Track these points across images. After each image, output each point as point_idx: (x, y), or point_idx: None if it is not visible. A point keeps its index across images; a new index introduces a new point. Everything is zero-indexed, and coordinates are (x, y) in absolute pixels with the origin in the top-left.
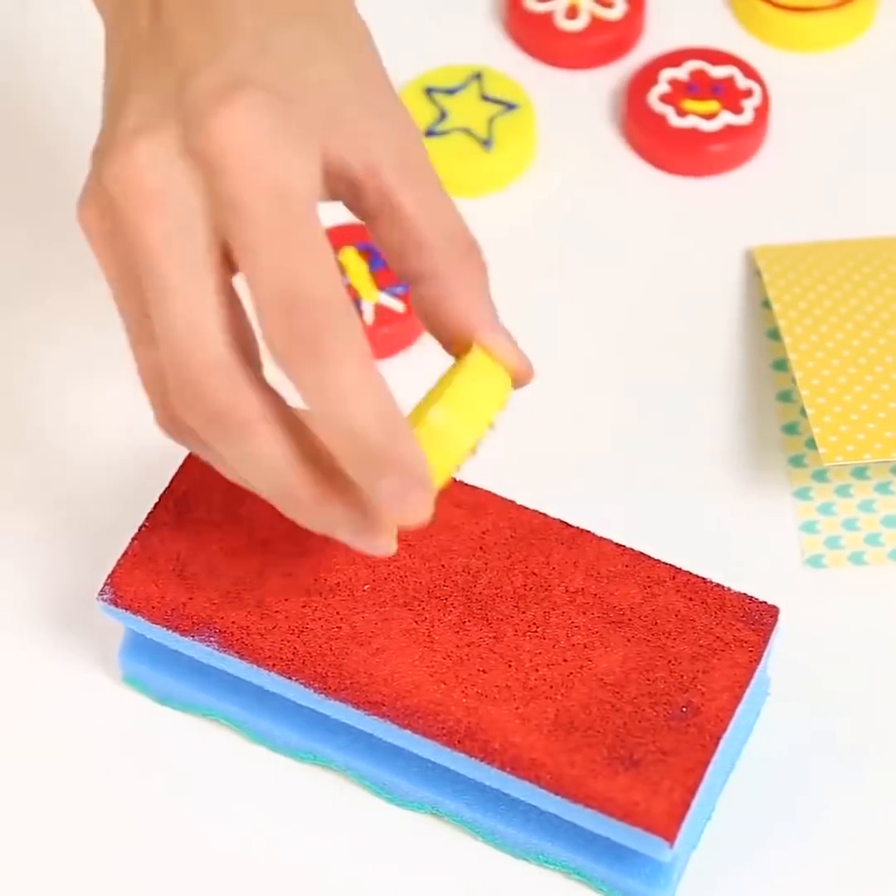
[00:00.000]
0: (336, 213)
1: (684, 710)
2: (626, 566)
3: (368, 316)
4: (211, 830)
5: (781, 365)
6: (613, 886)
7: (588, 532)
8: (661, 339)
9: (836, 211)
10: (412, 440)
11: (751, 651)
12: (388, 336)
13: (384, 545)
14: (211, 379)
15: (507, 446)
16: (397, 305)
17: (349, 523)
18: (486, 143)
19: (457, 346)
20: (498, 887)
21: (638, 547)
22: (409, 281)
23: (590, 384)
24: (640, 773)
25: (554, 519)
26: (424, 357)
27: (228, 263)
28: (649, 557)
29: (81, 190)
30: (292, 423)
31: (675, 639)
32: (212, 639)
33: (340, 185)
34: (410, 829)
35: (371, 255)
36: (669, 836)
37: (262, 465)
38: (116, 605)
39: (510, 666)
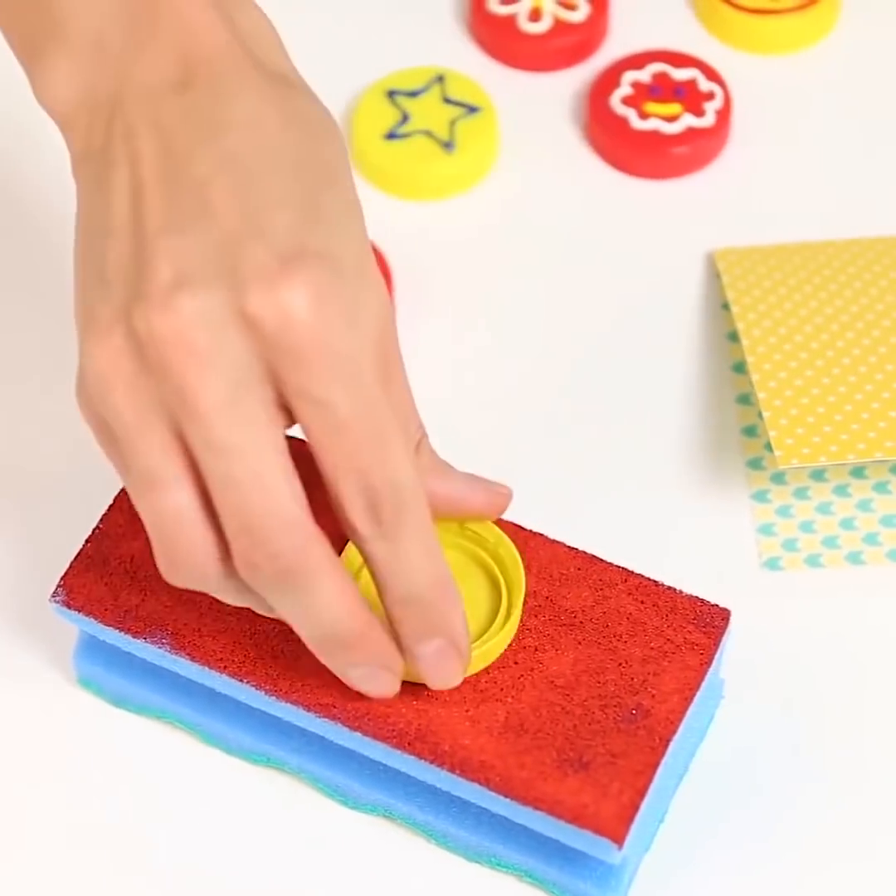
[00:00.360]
0: None
1: (634, 712)
2: (578, 569)
3: None
4: (165, 832)
5: (741, 367)
6: (565, 889)
7: (540, 535)
8: (621, 340)
9: (797, 214)
10: (461, 609)
11: (702, 654)
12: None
13: (391, 689)
14: (288, 538)
15: (462, 449)
16: None
17: (377, 672)
18: (447, 145)
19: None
20: (451, 890)
21: (597, 550)
22: None
23: (548, 386)
24: (590, 775)
25: (506, 522)
26: None
27: (283, 413)
28: (601, 560)
29: (83, 345)
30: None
31: (625, 641)
32: (164, 641)
33: None
34: (364, 831)
35: None
36: (618, 839)
37: (320, 614)
38: (69, 607)
39: None
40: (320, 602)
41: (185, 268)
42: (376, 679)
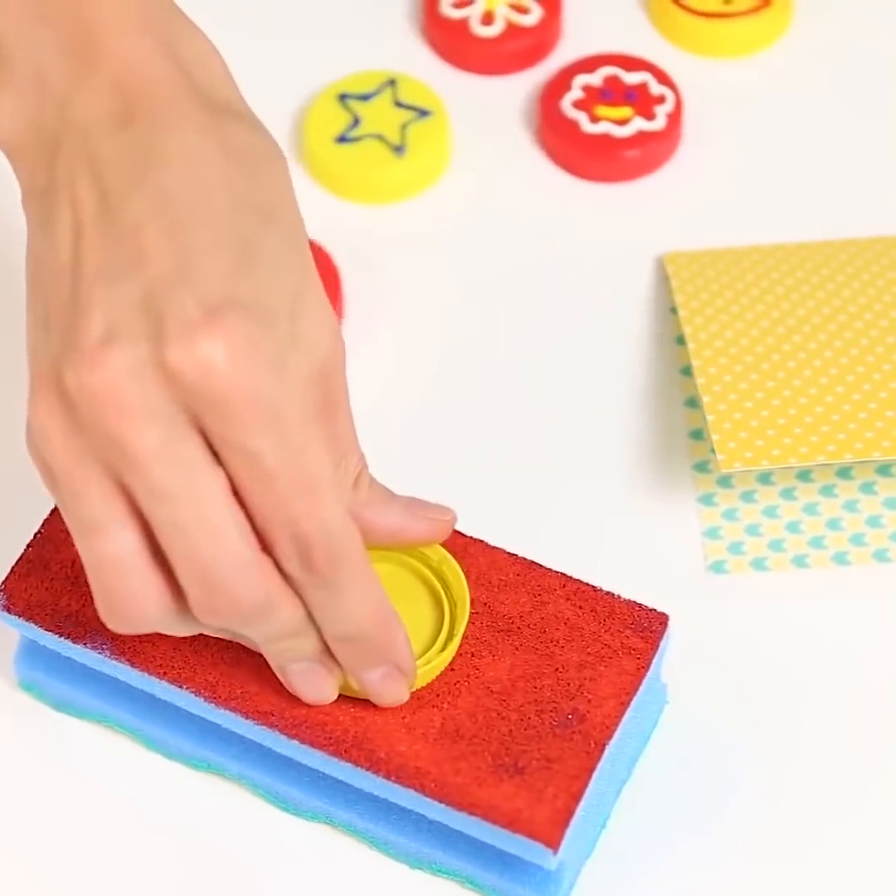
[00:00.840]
0: None
1: (570, 717)
2: (517, 575)
3: None
4: (106, 835)
5: (689, 371)
6: (505, 894)
7: (479, 541)
8: (571, 343)
9: (748, 217)
10: (403, 638)
11: (639, 658)
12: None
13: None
14: (244, 583)
15: (407, 452)
16: None
17: (326, 678)
18: (398, 149)
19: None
20: None
21: (543, 554)
22: None
23: (497, 388)
24: (525, 780)
25: None
26: None
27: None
28: (540, 566)
29: (31, 393)
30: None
31: (563, 647)
32: (104, 647)
33: None
34: (305, 838)
35: None
36: (553, 844)
37: (283, 640)
38: (9, 611)
39: None
40: (275, 630)
41: (115, 320)
42: (326, 685)
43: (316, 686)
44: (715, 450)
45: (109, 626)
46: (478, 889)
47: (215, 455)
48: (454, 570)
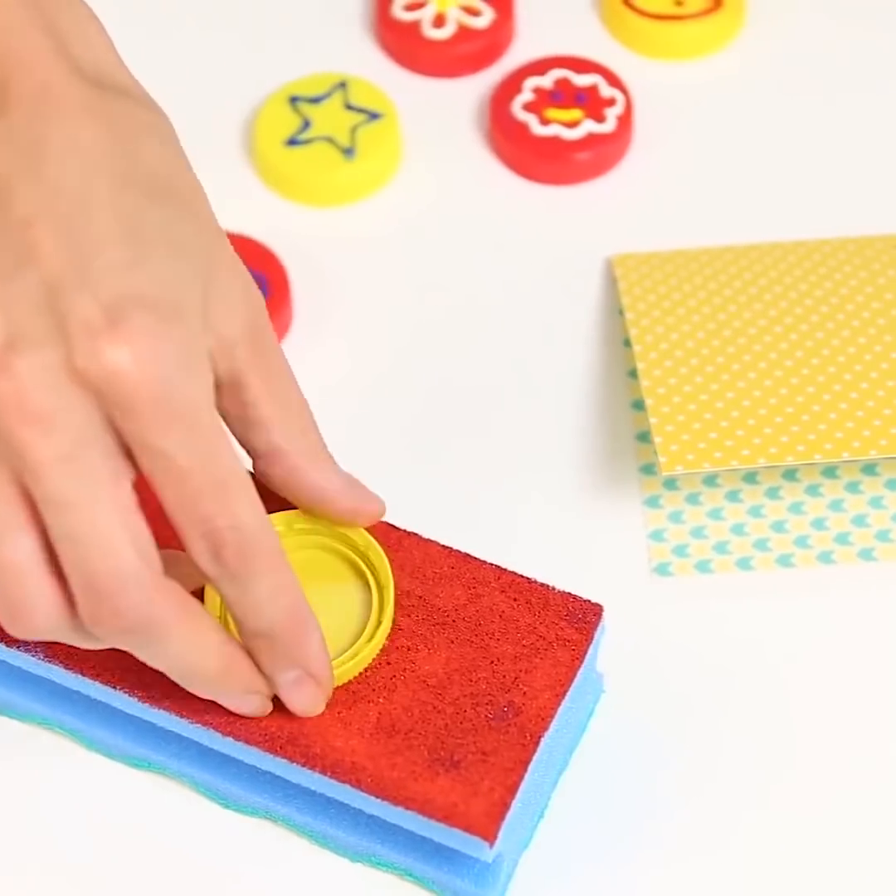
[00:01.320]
0: None
1: (506, 710)
2: (452, 568)
3: None
4: (49, 836)
5: (636, 373)
6: (444, 887)
7: (414, 534)
8: (519, 346)
9: (698, 219)
10: (317, 641)
11: (573, 650)
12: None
13: (262, 710)
14: (129, 595)
15: (354, 447)
16: None
17: (245, 696)
18: (348, 151)
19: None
20: (333, 891)
21: (488, 554)
22: (252, 455)
23: (446, 390)
24: (461, 773)
25: (380, 522)
26: None
27: (131, 462)
28: (475, 559)
29: None
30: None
31: (498, 639)
32: (37, 650)
33: None
34: (246, 833)
35: None
36: (489, 837)
37: (176, 661)
38: None
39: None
40: (174, 651)
41: (17, 324)
42: (246, 702)
43: (248, 708)
44: (657, 452)
45: (10, 631)
46: (417, 882)
47: (131, 457)
48: (380, 557)
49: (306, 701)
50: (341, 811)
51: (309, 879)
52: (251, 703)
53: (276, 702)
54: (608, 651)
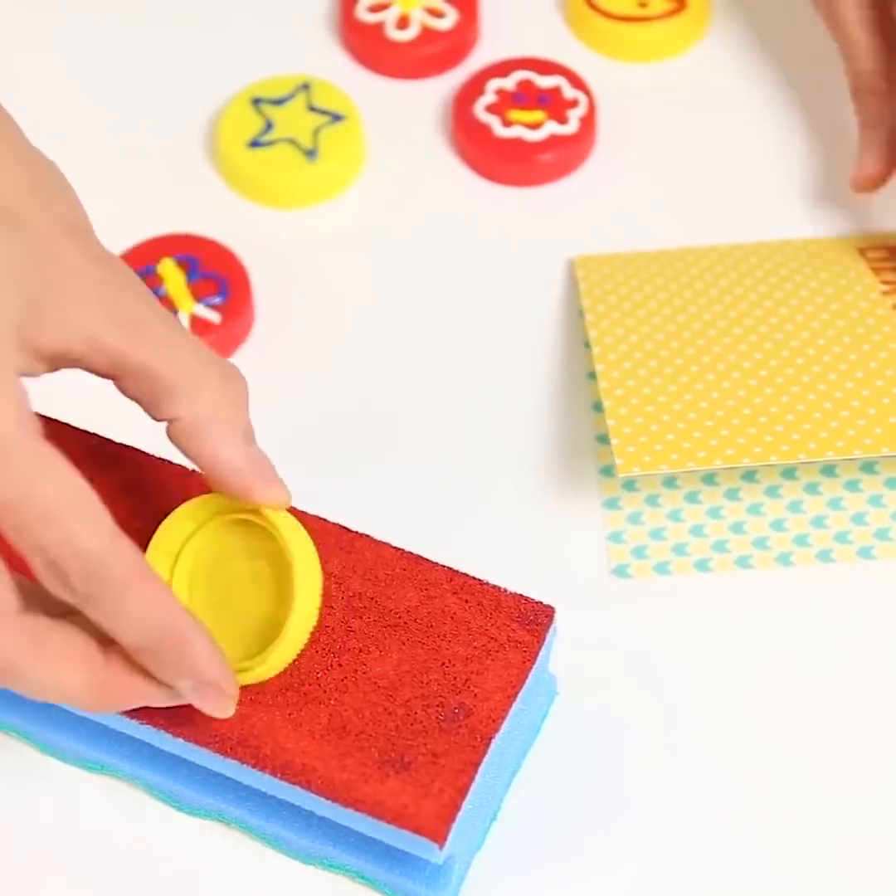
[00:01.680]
0: (151, 227)
1: (457, 711)
2: (404, 570)
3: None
4: (4, 843)
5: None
6: (396, 889)
7: (366, 536)
8: (482, 346)
9: (662, 221)
10: (202, 649)
11: (525, 651)
12: None
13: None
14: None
15: (315, 447)
16: (213, 317)
17: (203, 688)
18: (310, 153)
19: (214, 484)
20: (286, 893)
21: (448, 556)
22: (168, 424)
23: (408, 390)
24: (411, 775)
25: (332, 524)
26: (240, 367)
27: None
28: (427, 560)
29: None
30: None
31: (449, 641)
32: None
33: (69, 364)
34: (199, 836)
35: (188, 267)
36: (439, 838)
37: (40, 691)
38: None
39: (285, 671)
40: (37, 685)
41: None
42: (157, 698)
43: (208, 703)
44: (614, 454)
45: None
46: (369, 883)
47: None
48: (301, 544)
49: (210, 706)
50: (293, 813)
51: (262, 881)
52: (162, 698)
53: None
54: (564, 653)
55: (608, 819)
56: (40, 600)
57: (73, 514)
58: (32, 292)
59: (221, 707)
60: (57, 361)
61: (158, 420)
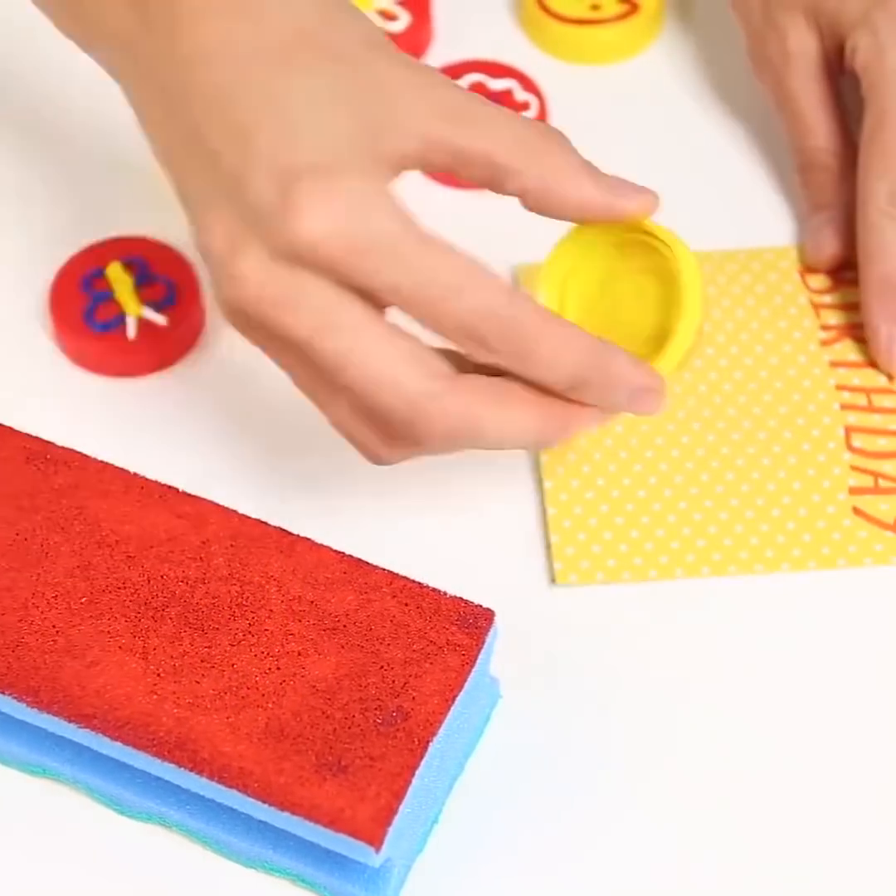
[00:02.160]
0: (100, 229)
1: (395, 715)
2: (344, 573)
3: (131, 330)
4: None
5: None
6: (335, 892)
7: (307, 540)
8: None
9: None
10: (624, 365)
11: (463, 655)
12: (151, 350)
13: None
14: (427, 414)
15: (264, 452)
16: (161, 320)
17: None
18: None
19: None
20: None
21: (390, 560)
22: (519, 197)
23: None
24: (348, 779)
25: (273, 527)
26: (190, 371)
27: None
28: (367, 564)
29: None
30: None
31: (388, 644)
32: None
33: (413, 166)
34: (141, 840)
35: (136, 269)
36: (375, 842)
37: (499, 443)
38: None
39: (224, 675)
40: (494, 438)
41: (228, 234)
42: (641, 399)
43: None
44: (553, 558)
45: (375, 463)
46: (309, 887)
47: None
48: (682, 252)
49: (649, 406)
50: (233, 816)
51: (203, 885)
52: (601, 416)
53: (163, 705)
54: (506, 656)
55: (549, 822)
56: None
57: (475, 283)
58: (364, 111)
59: (659, 403)
60: (402, 166)
61: (506, 195)
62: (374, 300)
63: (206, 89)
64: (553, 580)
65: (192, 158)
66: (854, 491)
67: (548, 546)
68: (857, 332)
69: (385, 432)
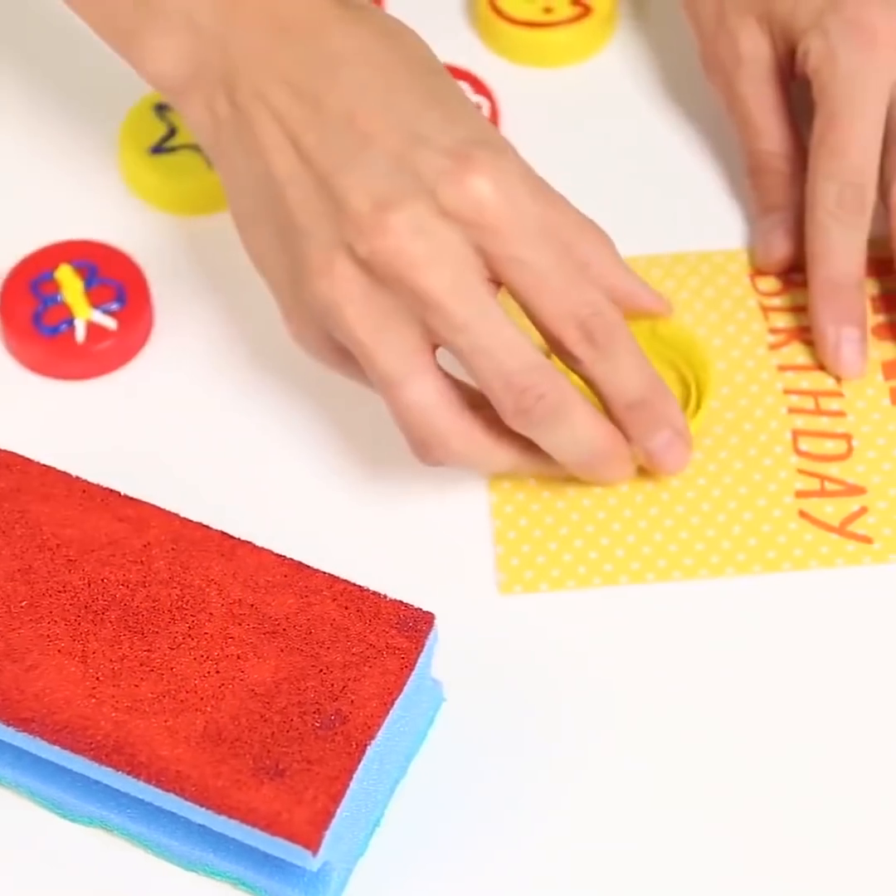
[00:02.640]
0: (51, 232)
1: (333, 718)
2: (285, 576)
3: (81, 334)
4: None
5: None
6: (275, 895)
7: (248, 543)
8: None
9: None
10: (675, 403)
11: (403, 658)
12: (100, 353)
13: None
14: (546, 379)
15: (209, 457)
16: (110, 323)
17: (623, 468)
18: None
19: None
20: None
21: (332, 565)
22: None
23: (301, 396)
24: (285, 782)
25: (215, 531)
26: (138, 375)
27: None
28: (308, 567)
29: (306, 275)
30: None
31: (328, 648)
32: None
33: None
34: (83, 843)
35: (87, 273)
36: (312, 845)
37: (583, 438)
38: None
39: (163, 679)
40: (580, 427)
41: (378, 192)
42: (624, 471)
43: (674, 456)
44: (498, 569)
45: (425, 463)
46: (249, 890)
47: (491, 282)
48: (700, 355)
49: (679, 459)
50: (174, 820)
51: (144, 888)
52: (628, 470)
53: (102, 709)
54: (452, 660)
55: (492, 825)
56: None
57: (593, 280)
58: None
59: (685, 459)
60: None
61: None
62: (498, 272)
63: (349, 81)
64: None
65: (328, 140)
66: (800, 494)
67: (495, 550)
68: (806, 335)
69: (477, 422)
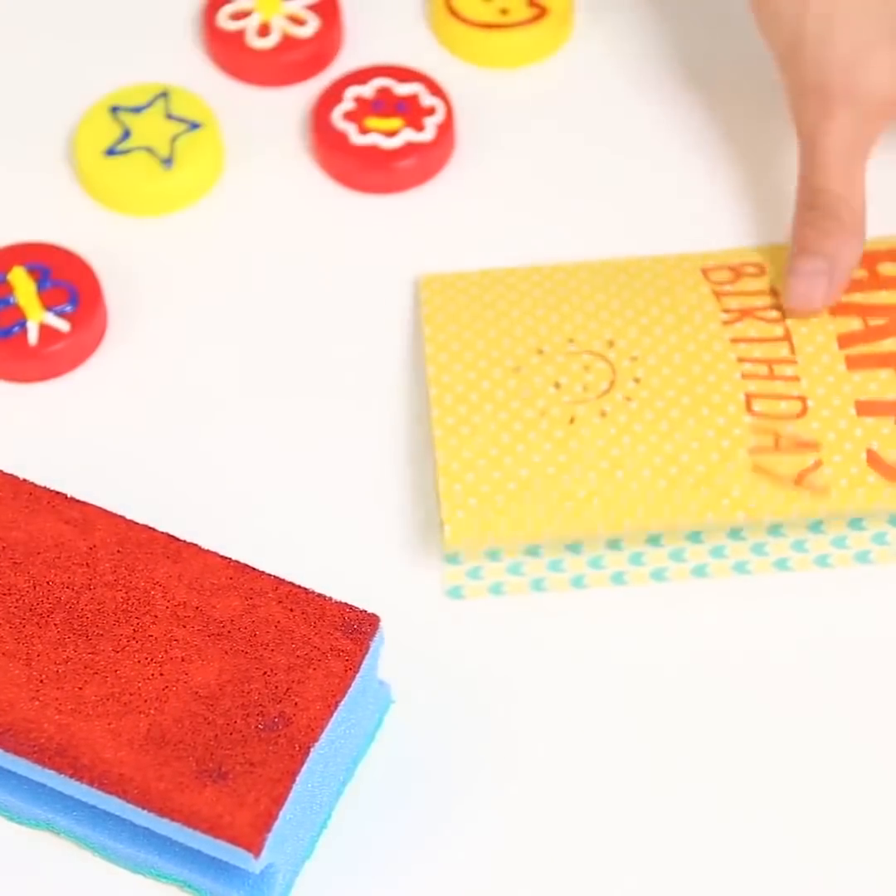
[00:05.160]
0: (4, 234)
1: (276, 721)
2: (230, 578)
3: (33, 336)
4: None
5: None
6: None
7: (194, 545)
8: (334, 362)
9: (518, 233)
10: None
11: (347, 660)
12: (52, 356)
13: None
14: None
15: (163, 462)
16: (62, 325)
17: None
18: (166, 161)
19: None
20: None
21: (282, 569)
22: None
23: (256, 402)
24: (228, 785)
25: (161, 533)
26: (91, 377)
27: None
28: (253, 569)
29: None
30: None
31: (272, 650)
32: None
33: None
34: (29, 846)
35: (40, 275)
36: (254, 848)
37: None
38: None
39: (107, 681)
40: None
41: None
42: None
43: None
44: (443, 519)
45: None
46: (195, 892)
47: None
48: None
49: (813, 292)
50: (119, 823)
51: (91, 891)
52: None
53: (45, 712)
54: (399, 663)
55: (440, 827)
56: None
57: None
58: None
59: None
60: None
61: None
62: None
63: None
64: (444, 543)
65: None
66: (755, 451)
67: (443, 555)
68: (760, 313)
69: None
